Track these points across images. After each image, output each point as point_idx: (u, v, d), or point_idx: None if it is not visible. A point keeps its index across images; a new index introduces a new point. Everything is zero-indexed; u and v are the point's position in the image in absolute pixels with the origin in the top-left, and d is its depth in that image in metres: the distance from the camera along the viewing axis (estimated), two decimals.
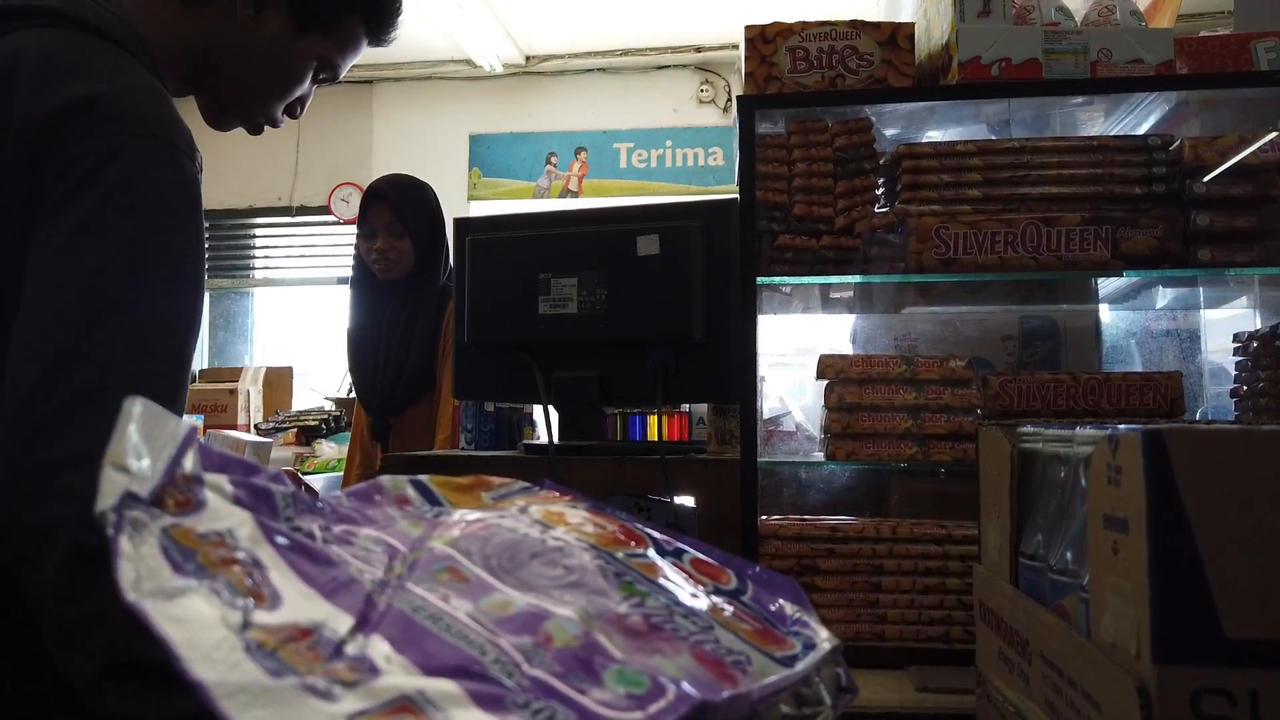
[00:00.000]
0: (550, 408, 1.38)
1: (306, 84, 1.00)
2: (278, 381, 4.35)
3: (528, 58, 5.36)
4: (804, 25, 1.46)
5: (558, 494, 0.63)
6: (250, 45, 0.93)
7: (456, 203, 5.21)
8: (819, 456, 1.64)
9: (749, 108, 1.35)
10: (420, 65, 5.41)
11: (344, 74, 1.03)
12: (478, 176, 5.54)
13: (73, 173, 0.71)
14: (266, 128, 1.02)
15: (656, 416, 1.38)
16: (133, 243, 0.71)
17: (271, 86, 0.97)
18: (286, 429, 3.53)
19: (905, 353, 1.78)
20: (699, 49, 5.24)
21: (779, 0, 4.51)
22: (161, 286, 0.73)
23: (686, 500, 1.31)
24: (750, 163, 1.34)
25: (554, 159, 5.49)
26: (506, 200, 5.53)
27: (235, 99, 0.97)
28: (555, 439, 1.35)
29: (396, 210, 2.21)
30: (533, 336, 1.41)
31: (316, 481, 2.83)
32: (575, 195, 5.46)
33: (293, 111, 1.01)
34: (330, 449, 3.30)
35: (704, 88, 5.38)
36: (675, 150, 5.39)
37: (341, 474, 3.02)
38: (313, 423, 3.50)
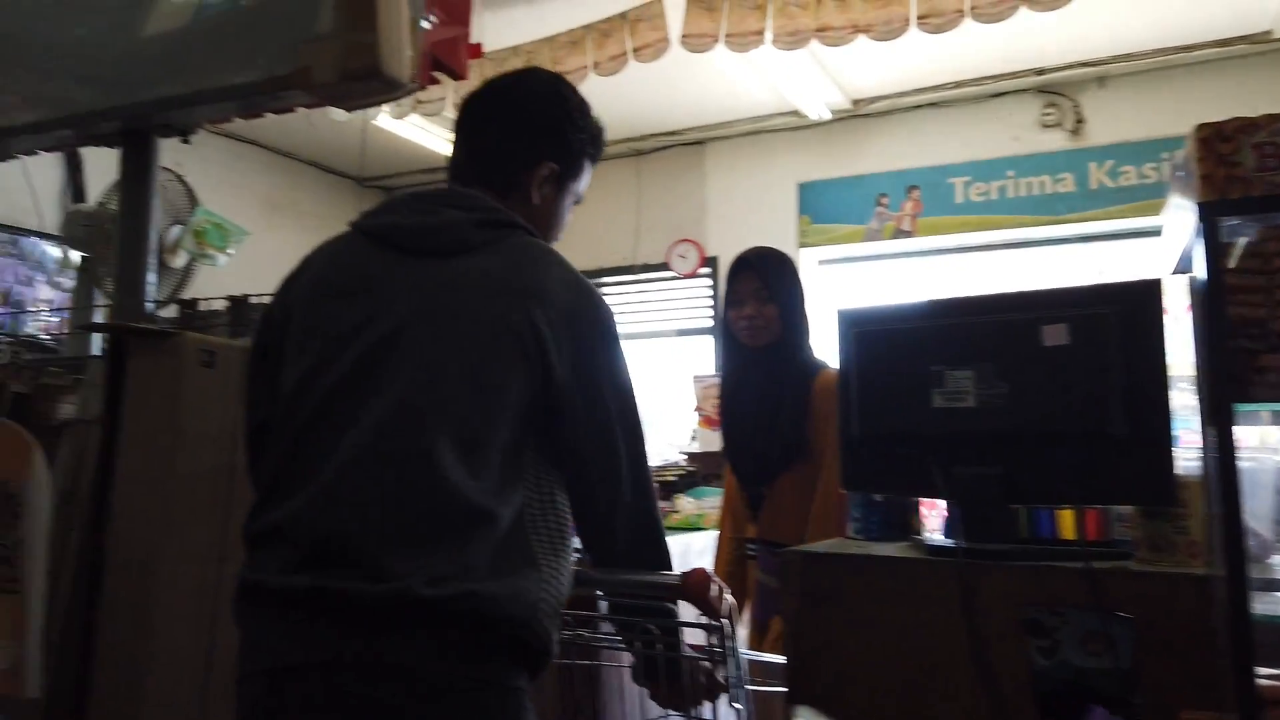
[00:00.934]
0: (949, 503, 1.34)
1: (570, 213, 1.52)
2: None
3: (855, 101, 5.32)
4: (1270, 119, 1.25)
5: None
6: (542, 210, 1.43)
7: (787, 251, 5.26)
8: None
9: (1213, 214, 1.18)
10: (748, 121, 5.56)
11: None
12: (807, 223, 5.58)
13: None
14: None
15: (1072, 513, 1.29)
16: None
17: (555, 224, 1.48)
18: None
19: None
20: (1040, 71, 4.92)
21: (1126, 11, 4.14)
22: None
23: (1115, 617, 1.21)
24: (1218, 275, 1.18)
25: (885, 200, 5.39)
26: (837, 245, 5.51)
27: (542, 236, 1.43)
28: (963, 539, 1.31)
29: (763, 277, 2.27)
30: (927, 429, 1.38)
31: (679, 539, 2.95)
32: (909, 235, 5.32)
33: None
34: (689, 504, 3.44)
35: (1048, 111, 5.03)
36: (1018, 180, 5.08)
37: (700, 532, 3.15)
38: (671, 478, 3.67)
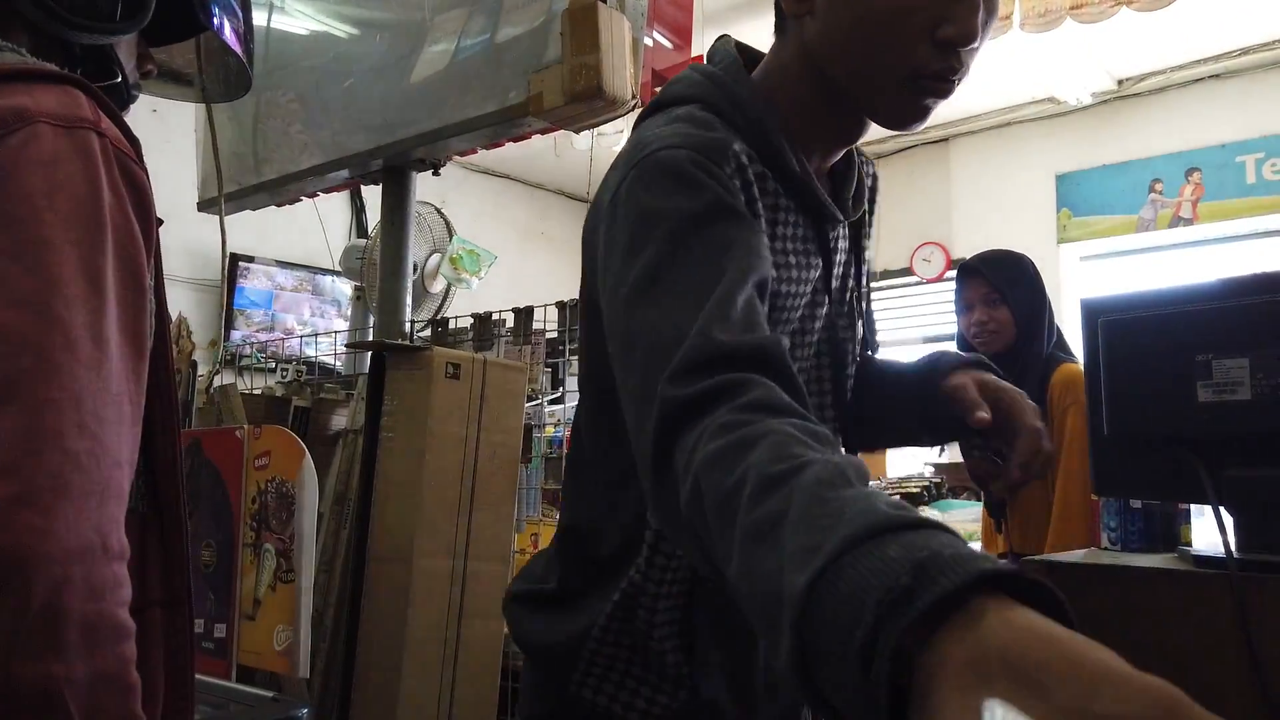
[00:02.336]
0: (1223, 510, 1.18)
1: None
2: None
3: (1119, 81, 4.87)
4: None
5: None
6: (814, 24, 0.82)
7: (1044, 248, 4.90)
8: None
9: None
10: (997, 113, 5.25)
11: None
12: (1067, 217, 5.16)
13: None
14: None
15: None
16: None
17: (876, 37, 0.78)
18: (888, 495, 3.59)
19: None
20: None
21: None
22: None
23: None
24: None
25: (1159, 186, 4.89)
26: (1102, 239, 5.06)
27: (861, 84, 0.81)
28: (1234, 550, 1.14)
29: (991, 281, 2.17)
30: (1192, 428, 1.23)
31: None
32: (1190, 223, 4.78)
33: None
34: (932, 515, 3.28)
35: None
36: None
37: None
38: (915, 489, 3.51)
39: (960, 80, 0.81)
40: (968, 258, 2.32)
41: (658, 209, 0.74)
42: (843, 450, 0.67)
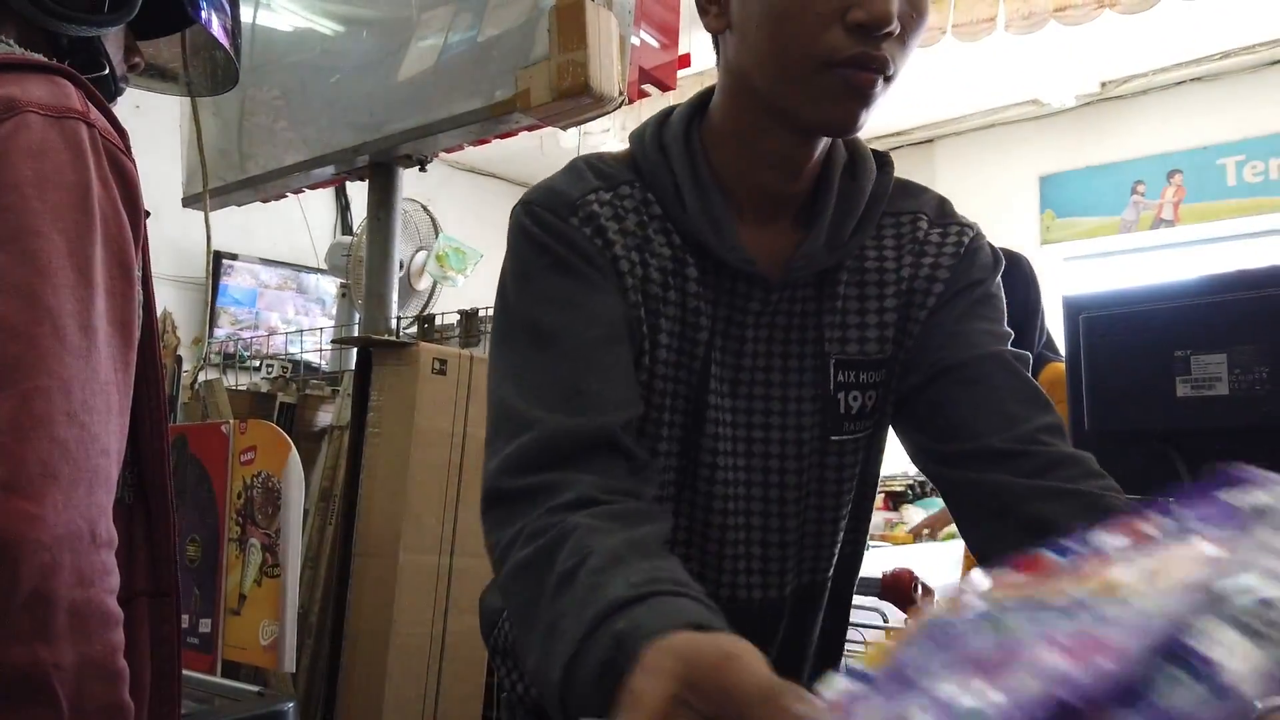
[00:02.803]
0: None
1: None
2: None
3: (1103, 83, 4.92)
4: None
5: None
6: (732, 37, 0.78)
7: (1028, 249, 4.93)
8: None
9: None
10: (982, 114, 5.29)
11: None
12: (1051, 218, 5.21)
13: None
14: None
15: None
16: None
17: (785, 25, 0.72)
18: None
19: None
20: None
21: None
22: None
23: None
24: None
25: (1141, 188, 4.93)
26: (1085, 240, 5.10)
27: (780, 85, 0.75)
28: None
29: None
30: (1171, 423, 1.25)
31: (907, 552, 2.84)
32: (1171, 224, 4.83)
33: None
34: (917, 514, 3.30)
35: None
36: None
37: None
38: (899, 488, 3.54)
39: (888, 75, 0.74)
40: None
41: (508, 271, 0.79)
42: (667, 516, 0.78)
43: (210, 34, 1.08)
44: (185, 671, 0.98)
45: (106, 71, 0.94)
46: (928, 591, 1.22)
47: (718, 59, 0.82)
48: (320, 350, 2.57)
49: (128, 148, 0.83)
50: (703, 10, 0.81)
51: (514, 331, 0.76)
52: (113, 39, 0.95)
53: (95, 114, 0.79)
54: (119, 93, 0.99)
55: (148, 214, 0.85)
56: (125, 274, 0.77)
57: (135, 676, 0.78)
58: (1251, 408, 1.17)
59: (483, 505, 0.71)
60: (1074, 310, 1.40)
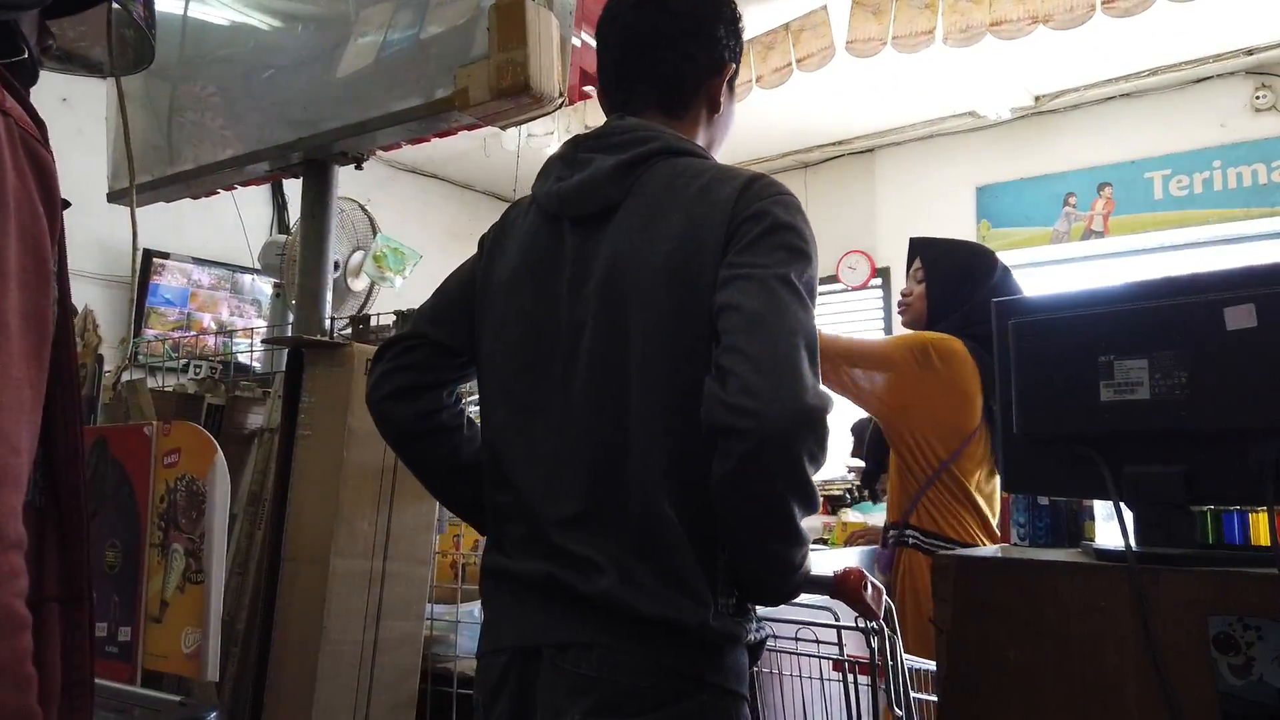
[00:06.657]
0: (1123, 506, 1.22)
1: None
2: None
3: (1036, 97, 5.04)
4: None
5: None
6: (720, 122, 1.31)
7: None
8: None
9: None
10: (920, 125, 5.38)
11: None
12: (986, 228, 5.32)
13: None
14: None
15: (1266, 517, 1.16)
16: None
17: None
18: None
19: None
20: (1250, 51, 4.49)
21: None
22: None
23: None
24: None
25: (1073, 199, 5.06)
26: (1020, 249, 5.21)
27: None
28: (1133, 544, 1.19)
29: (921, 256, 2.34)
30: (1095, 427, 1.27)
31: (851, 554, 2.86)
32: (1101, 236, 4.97)
33: None
34: (856, 517, 3.34)
35: (1260, 94, 4.58)
36: (1225, 170, 4.65)
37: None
38: (837, 492, 3.57)
39: None
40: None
41: (807, 240, 1.12)
42: None
43: (125, 9, 1.05)
44: (103, 681, 0.94)
45: (25, 55, 0.91)
46: (877, 590, 1.23)
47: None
48: (252, 352, 2.51)
49: (45, 138, 0.79)
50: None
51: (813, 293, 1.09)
52: (27, 20, 0.91)
53: (11, 102, 0.76)
54: (36, 77, 0.95)
55: (67, 204, 0.82)
56: (40, 268, 0.74)
57: (45, 684, 0.75)
58: (1170, 411, 1.20)
59: (813, 417, 0.99)
60: (1003, 315, 1.43)
